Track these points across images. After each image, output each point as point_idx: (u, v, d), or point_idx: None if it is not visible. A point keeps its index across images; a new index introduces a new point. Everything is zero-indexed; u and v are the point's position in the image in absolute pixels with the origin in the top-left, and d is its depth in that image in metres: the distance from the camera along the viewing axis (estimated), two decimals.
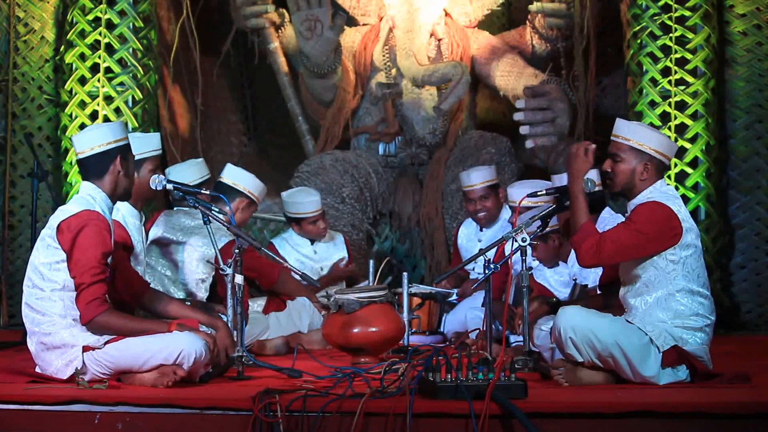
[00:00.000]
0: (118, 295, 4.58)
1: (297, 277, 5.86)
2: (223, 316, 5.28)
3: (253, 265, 6.01)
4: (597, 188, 4.97)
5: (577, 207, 4.49)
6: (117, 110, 7.75)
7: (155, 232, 5.76)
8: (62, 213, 4.39)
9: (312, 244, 6.93)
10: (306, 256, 6.87)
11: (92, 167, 4.48)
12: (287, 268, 5.40)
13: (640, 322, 4.40)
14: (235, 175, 6.11)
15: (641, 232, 4.37)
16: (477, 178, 6.94)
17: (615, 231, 4.43)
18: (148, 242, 5.56)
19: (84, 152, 4.48)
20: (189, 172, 6.06)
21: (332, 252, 6.99)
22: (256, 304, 6.37)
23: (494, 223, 6.92)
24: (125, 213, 5.08)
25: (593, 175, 4.78)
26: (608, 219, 5.70)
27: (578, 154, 4.57)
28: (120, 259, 4.62)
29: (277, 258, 5.35)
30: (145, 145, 5.08)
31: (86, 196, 4.43)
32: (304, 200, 6.80)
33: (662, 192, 4.48)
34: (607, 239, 4.38)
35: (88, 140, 4.49)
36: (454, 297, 6.69)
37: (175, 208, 6.13)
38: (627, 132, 4.53)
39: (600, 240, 4.38)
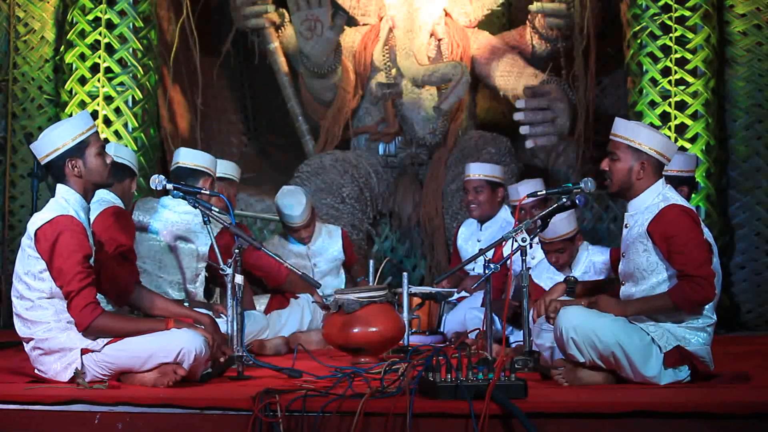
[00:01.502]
0: (104, 294, 4.57)
1: (297, 273, 5.82)
2: (223, 315, 5.29)
3: (259, 265, 6.00)
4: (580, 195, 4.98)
5: (648, 305, 4.42)
6: (117, 110, 7.75)
7: (139, 225, 5.71)
8: (37, 220, 4.34)
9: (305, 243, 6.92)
10: (297, 253, 6.82)
11: (52, 173, 4.45)
12: (288, 268, 5.38)
13: (642, 322, 4.39)
14: (192, 157, 5.92)
15: (699, 240, 4.36)
16: (477, 169, 7.04)
17: (689, 259, 4.32)
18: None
19: (42, 160, 4.45)
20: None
21: (327, 246, 6.94)
22: (259, 303, 6.36)
23: (488, 220, 6.95)
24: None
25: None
26: (593, 250, 5.74)
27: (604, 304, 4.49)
28: (104, 259, 4.58)
29: (277, 258, 5.33)
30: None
31: (60, 199, 4.39)
32: (285, 211, 6.75)
33: (670, 195, 4.47)
34: (695, 271, 4.30)
35: (39, 149, 4.44)
36: (455, 297, 6.69)
37: (148, 198, 6.09)
38: (624, 131, 4.52)
39: (693, 278, 4.30)
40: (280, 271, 6.24)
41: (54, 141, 4.40)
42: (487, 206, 6.93)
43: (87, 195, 4.46)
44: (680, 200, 4.47)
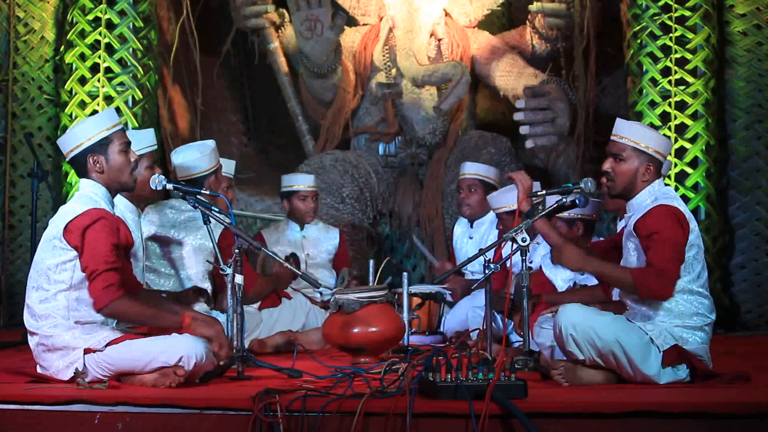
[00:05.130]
0: None
1: (297, 273, 5.79)
2: (220, 315, 5.28)
3: None
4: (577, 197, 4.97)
5: (608, 268, 4.43)
6: (117, 110, 7.74)
7: (148, 229, 5.70)
8: (68, 213, 4.35)
9: (301, 230, 6.99)
10: (292, 242, 6.89)
11: (76, 169, 4.50)
12: (288, 267, 5.36)
13: (640, 321, 4.40)
14: (186, 168, 5.76)
15: (676, 240, 4.35)
16: (472, 168, 7.12)
17: (658, 253, 4.33)
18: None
19: (66, 155, 4.51)
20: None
21: (322, 239, 7.05)
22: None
23: (479, 218, 6.96)
24: (123, 209, 5.05)
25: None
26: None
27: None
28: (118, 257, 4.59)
29: (277, 257, 5.32)
30: (140, 141, 4.98)
31: (89, 193, 4.41)
32: (298, 178, 7.09)
33: (663, 193, 4.48)
34: (661, 264, 4.30)
35: (64, 144, 4.50)
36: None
37: (158, 202, 6.06)
38: (628, 132, 4.51)
39: (657, 270, 4.31)
40: (247, 282, 6.09)
41: (77, 136, 4.45)
42: (478, 207, 6.95)
43: (111, 191, 4.49)
44: (670, 200, 4.46)
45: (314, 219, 7.09)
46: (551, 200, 5.09)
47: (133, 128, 7.69)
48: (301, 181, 7.06)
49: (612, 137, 4.55)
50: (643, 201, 4.48)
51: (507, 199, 6.06)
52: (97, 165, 4.43)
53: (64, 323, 4.33)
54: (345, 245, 7.21)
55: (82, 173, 4.47)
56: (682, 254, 4.38)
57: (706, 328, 4.44)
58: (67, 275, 4.32)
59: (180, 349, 4.30)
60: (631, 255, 4.48)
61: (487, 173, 7.06)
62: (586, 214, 5.72)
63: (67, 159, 4.51)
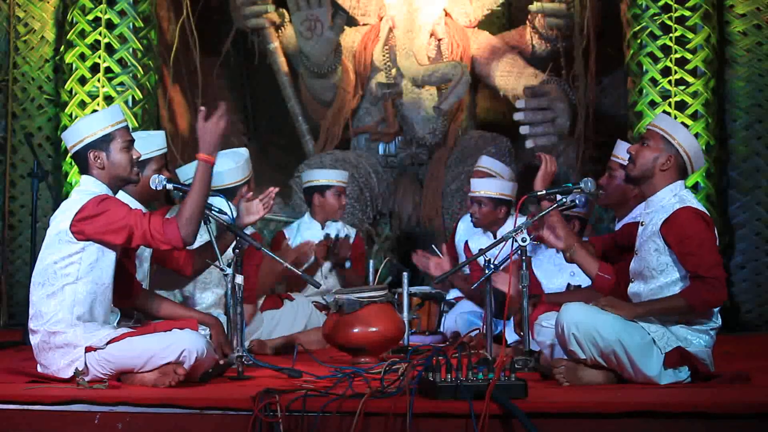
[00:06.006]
0: (114, 296, 4.56)
1: (297, 273, 5.79)
2: (220, 314, 5.28)
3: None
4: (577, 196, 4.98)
5: (659, 305, 4.39)
6: None
7: None
8: (72, 206, 4.36)
9: (323, 228, 6.98)
10: (314, 238, 6.90)
11: (78, 164, 4.53)
12: (288, 267, 5.36)
13: (644, 321, 4.39)
14: (222, 176, 5.73)
15: (712, 243, 4.38)
16: (487, 162, 7.14)
17: (704, 261, 4.32)
18: None
19: (69, 150, 4.53)
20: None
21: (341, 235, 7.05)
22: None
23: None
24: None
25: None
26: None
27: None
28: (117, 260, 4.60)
29: (277, 258, 5.32)
30: (150, 144, 4.97)
31: (90, 188, 4.42)
32: (338, 173, 7.10)
33: (686, 197, 4.48)
34: (707, 272, 4.30)
35: (67, 138, 4.53)
36: (452, 296, 6.68)
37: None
38: (664, 123, 4.56)
39: (706, 279, 4.30)
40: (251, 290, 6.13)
41: (80, 131, 4.47)
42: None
43: (112, 189, 4.49)
44: (695, 202, 4.48)
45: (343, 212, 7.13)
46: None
47: (133, 128, 7.68)
48: (336, 176, 7.01)
49: (647, 126, 4.62)
50: (665, 200, 4.46)
51: (487, 185, 6.53)
52: (98, 161, 4.43)
53: (67, 319, 4.33)
54: (361, 246, 7.22)
55: (84, 169, 4.48)
56: (720, 254, 4.41)
57: (711, 332, 4.44)
58: (74, 268, 4.34)
59: (181, 345, 4.31)
60: (651, 255, 4.44)
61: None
62: (581, 212, 5.77)
63: (70, 153, 4.53)
